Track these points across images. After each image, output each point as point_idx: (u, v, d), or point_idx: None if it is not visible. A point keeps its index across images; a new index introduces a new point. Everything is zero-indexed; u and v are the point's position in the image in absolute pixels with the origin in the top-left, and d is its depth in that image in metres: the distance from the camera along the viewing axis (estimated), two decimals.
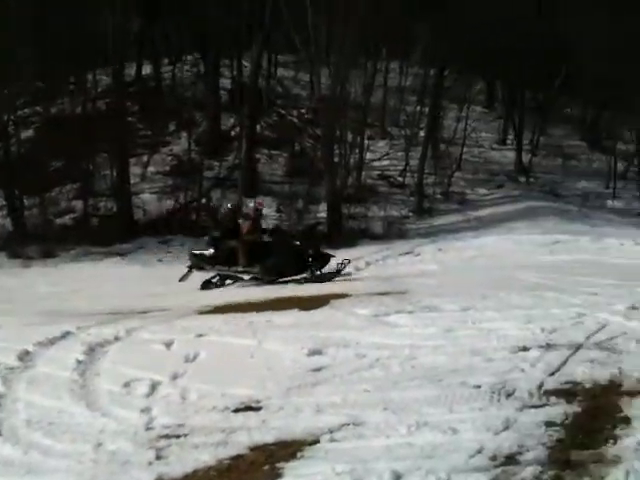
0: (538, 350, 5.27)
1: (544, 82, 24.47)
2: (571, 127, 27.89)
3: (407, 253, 13.26)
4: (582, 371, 4.71)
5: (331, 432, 3.88)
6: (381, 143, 24.21)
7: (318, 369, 5.26)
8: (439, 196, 20.91)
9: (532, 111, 24.87)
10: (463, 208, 19.94)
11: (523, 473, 3.14)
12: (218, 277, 11.35)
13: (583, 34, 21.96)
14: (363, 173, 20.67)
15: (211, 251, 11.46)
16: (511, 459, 3.31)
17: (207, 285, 11.31)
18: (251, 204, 12.24)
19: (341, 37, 17.39)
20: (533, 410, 4.00)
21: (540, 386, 4.43)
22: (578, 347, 5.34)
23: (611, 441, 3.51)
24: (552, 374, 4.67)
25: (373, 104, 23.28)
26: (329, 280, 10.54)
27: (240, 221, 11.66)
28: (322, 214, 18.49)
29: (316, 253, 11.13)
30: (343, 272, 11.04)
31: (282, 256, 10.83)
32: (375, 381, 4.88)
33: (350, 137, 20.68)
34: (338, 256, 11.93)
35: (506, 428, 3.71)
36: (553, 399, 4.19)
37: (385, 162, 22.63)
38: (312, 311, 7.64)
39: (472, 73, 25.02)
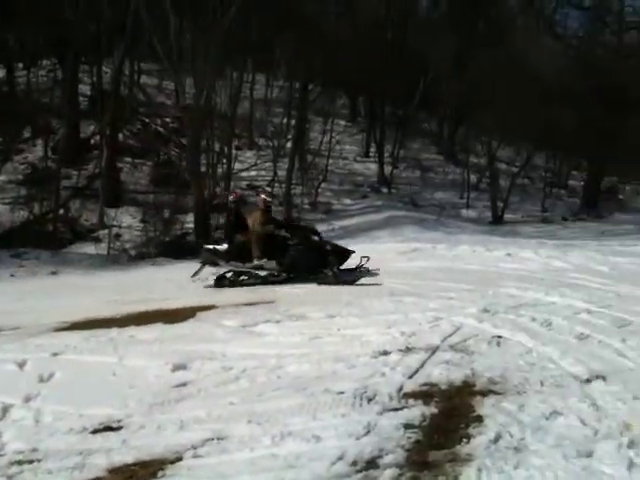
0: (398, 354, 5.47)
1: (404, 98, 25.65)
2: (429, 141, 29.44)
3: None
4: (438, 373, 4.94)
5: (194, 448, 3.79)
6: (249, 153, 24.25)
7: (183, 384, 5.13)
8: (307, 206, 21.26)
9: (392, 126, 25.93)
10: (329, 218, 20.37)
11: (382, 477, 3.24)
12: (232, 273, 10.60)
13: (438, 55, 23.33)
14: (232, 183, 20.55)
15: (224, 246, 10.78)
16: (371, 463, 3.40)
17: (221, 282, 10.55)
18: (262, 195, 11.21)
19: (205, 46, 17.20)
20: (393, 413, 4.13)
21: (400, 389, 4.59)
22: (435, 350, 5.60)
23: (465, 440, 3.70)
24: (411, 377, 4.86)
25: (240, 115, 23.28)
26: (351, 283, 9.68)
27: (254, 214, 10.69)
28: (190, 224, 18.15)
29: (335, 249, 10.37)
30: (364, 269, 10.41)
31: (301, 251, 10.07)
32: (241, 393, 4.83)
33: (217, 147, 20.51)
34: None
35: (367, 433, 3.81)
36: (411, 401, 4.35)
37: (253, 172, 22.66)
38: (177, 324, 7.44)
39: (335, 88, 25.72)
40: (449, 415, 4.11)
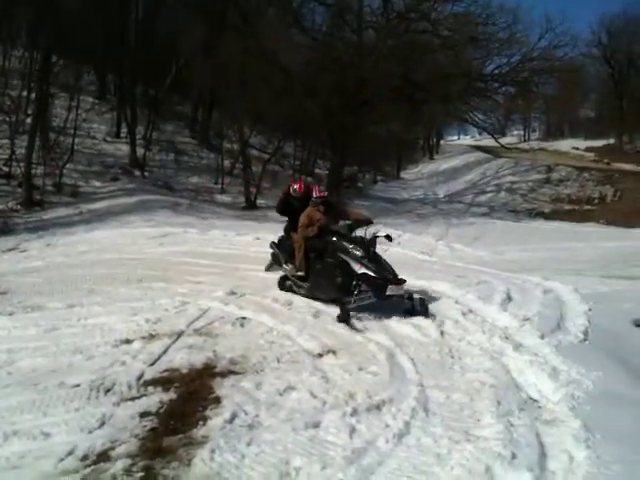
0: (141, 341, 5.36)
1: (156, 79, 25.00)
2: (183, 125, 29.10)
3: (11, 250, 12.08)
4: (180, 358, 4.95)
5: None
6: None
7: None
8: (50, 188, 19.66)
9: (145, 106, 25.14)
10: (77, 201, 19.06)
11: (113, 469, 3.16)
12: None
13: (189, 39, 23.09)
14: None
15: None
16: (103, 456, 3.31)
17: (282, 284, 7.88)
18: (314, 190, 7.66)
19: None
20: (130, 403, 4.05)
21: (140, 377, 4.51)
22: (179, 335, 5.59)
23: (201, 423, 3.77)
24: (152, 364, 4.80)
25: None
26: (343, 320, 6.26)
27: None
28: None
29: (372, 276, 6.56)
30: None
31: (325, 270, 7.01)
32: None
33: None
34: None
35: (101, 425, 3.69)
36: (151, 389, 4.31)
37: None
38: None
39: (82, 63, 24.15)
40: (188, 399, 4.14)
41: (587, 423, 3.84)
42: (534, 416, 4.01)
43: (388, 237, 7.23)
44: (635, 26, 46.16)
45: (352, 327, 6.02)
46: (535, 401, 4.32)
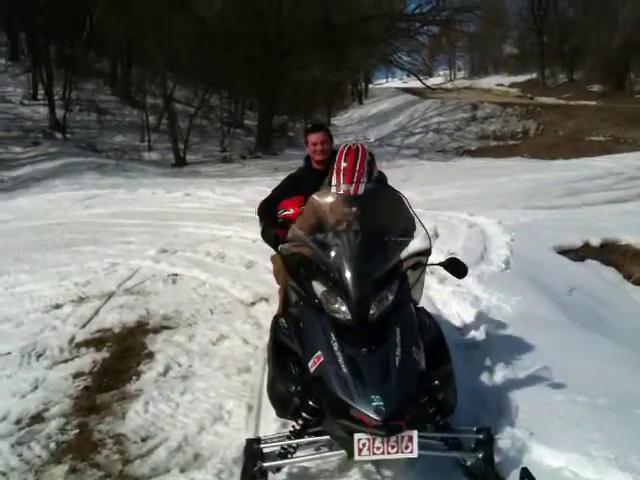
0: (71, 305, 5.32)
1: (70, 36, 23.89)
2: (103, 82, 28.05)
3: None
4: (112, 318, 4.95)
5: None
6: None
7: None
8: None
9: (61, 65, 24.06)
10: None
11: (47, 429, 3.20)
12: None
13: None
14: None
15: None
16: (37, 418, 3.34)
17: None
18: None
19: None
20: (63, 365, 4.06)
21: (71, 340, 4.50)
22: (110, 296, 5.57)
23: (134, 378, 3.83)
24: (84, 326, 4.79)
25: None
26: None
27: None
28: None
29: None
30: None
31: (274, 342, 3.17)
32: None
33: None
34: None
35: (34, 389, 3.70)
36: (83, 350, 4.32)
37: None
38: None
39: None
40: (121, 357, 4.18)
41: (505, 344, 4.08)
42: (455, 343, 4.21)
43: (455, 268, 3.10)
44: None
45: None
46: (458, 329, 4.55)
